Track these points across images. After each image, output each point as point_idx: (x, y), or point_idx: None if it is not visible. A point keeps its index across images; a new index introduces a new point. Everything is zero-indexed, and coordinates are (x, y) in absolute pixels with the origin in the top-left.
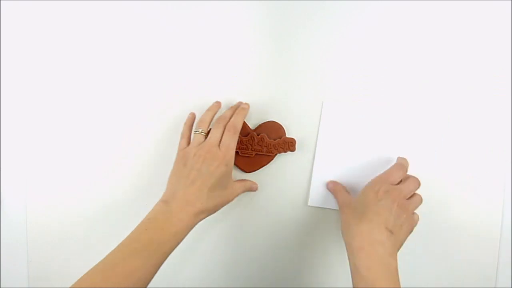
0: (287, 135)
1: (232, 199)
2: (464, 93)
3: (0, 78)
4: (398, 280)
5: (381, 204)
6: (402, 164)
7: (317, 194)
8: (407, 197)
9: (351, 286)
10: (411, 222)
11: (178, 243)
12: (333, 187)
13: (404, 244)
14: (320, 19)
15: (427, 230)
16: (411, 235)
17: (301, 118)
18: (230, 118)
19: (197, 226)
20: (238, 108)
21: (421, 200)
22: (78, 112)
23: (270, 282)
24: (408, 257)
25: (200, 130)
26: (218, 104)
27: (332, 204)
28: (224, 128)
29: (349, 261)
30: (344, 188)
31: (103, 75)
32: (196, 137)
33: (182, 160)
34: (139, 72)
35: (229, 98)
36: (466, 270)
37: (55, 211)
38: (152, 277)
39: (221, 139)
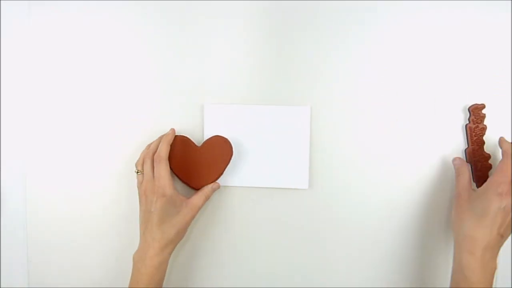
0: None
1: (194, 216)
2: (463, 93)
3: (0, 78)
4: (493, 279)
5: (503, 208)
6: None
7: None
8: None
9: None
10: None
11: (160, 282)
12: (460, 165)
13: (404, 247)
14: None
15: (427, 230)
16: (411, 235)
17: None
18: (155, 149)
19: (197, 228)
20: (165, 136)
21: None
22: (78, 113)
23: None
24: (407, 260)
25: (136, 170)
26: (154, 142)
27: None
28: (153, 160)
29: (455, 255)
30: (470, 171)
31: (104, 74)
32: (138, 178)
33: (140, 204)
34: (139, 72)
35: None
36: None
37: (55, 211)
38: None
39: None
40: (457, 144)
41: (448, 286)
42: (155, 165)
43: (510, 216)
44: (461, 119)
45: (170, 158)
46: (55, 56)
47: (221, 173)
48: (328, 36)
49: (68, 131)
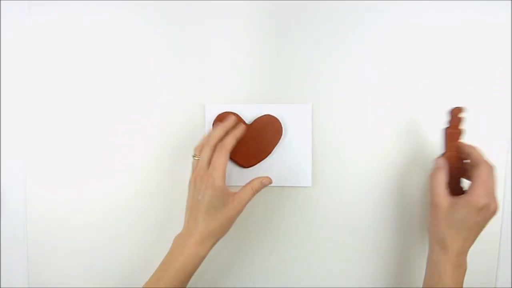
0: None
1: (240, 210)
2: (463, 93)
3: (0, 78)
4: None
5: (479, 222)
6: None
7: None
8: None
9: None
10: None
11: (191, 273)
12: (435, 170)
13: (404, 244)
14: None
15: (427, 230)
16: (412, 235)
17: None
18: (219, 137)
19: None
20: (235, 129)
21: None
22: (78, 113)
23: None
24: (408, 257)
25: (194, 154)
26: (217, 130)
27: (234, 181)
28: (214, 148)
29: (430, 259)
30: (445, 177)
31: (104, 75)
32: (193, 163)
33: (188, 188)
34: (140, 72)
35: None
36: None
37: (55, 211)
38: None
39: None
40: None
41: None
42: (215, 153)
43: (484, 227)
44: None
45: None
46: (55, 56)
47: (270, 152)
48: (328, 36)
49: (68, 131)
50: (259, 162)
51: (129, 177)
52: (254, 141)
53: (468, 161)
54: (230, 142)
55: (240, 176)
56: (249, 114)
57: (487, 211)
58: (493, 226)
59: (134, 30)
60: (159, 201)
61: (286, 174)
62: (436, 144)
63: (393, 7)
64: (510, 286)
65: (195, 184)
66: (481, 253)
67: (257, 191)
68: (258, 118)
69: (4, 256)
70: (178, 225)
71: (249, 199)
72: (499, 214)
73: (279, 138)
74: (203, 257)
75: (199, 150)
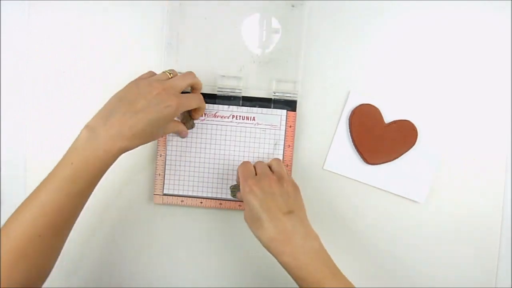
0: None
1: (162, 136)
2: (463, 93)
3: (0, 78)
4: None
5: (265, 199)
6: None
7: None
8: (271, 171)
9: None
10: (293, 183)
11: (103, 174)
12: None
13: (404, 244)
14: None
15: (427, 230)
16: (412, 235)
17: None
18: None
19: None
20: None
21: (278, 160)
22: (78, 113)
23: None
24: (408, 257)
25: (168, 71)
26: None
27: (347, 172)
28: (193, 83)
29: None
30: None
31: (104, 75)
32: (161, 74)
33: (135, 83)
34: (140, 72)
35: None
36: (466, 270)
37: None
38: (80, 210)
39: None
40: (462, 145)
41: None
42: (192, 91)
43: (280, 195)
44: (462, 119)
45: (357, 125)
46: (55, 56)
47: (397, 157)
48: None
49: (68, 131)
50: (384, 162)
51: (129, 177)
52: (386, 141)
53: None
54: (199, 85)
55: (358, 171)
56: (390, 115)
57: (257, 186)
58: (493, 226)
59: (134, 30)
60: None
61: (402, 183)
62: (436, 145)
63: (393, 7)
64: (510, 286)
65: (159, 93)
66: (481, 253)
67: (176, 131)
68: (398, 120)
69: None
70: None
71: (169, 133)
72: (499, 214)
73: (411, 146)
74: (112, 162)
75: (175, 72)
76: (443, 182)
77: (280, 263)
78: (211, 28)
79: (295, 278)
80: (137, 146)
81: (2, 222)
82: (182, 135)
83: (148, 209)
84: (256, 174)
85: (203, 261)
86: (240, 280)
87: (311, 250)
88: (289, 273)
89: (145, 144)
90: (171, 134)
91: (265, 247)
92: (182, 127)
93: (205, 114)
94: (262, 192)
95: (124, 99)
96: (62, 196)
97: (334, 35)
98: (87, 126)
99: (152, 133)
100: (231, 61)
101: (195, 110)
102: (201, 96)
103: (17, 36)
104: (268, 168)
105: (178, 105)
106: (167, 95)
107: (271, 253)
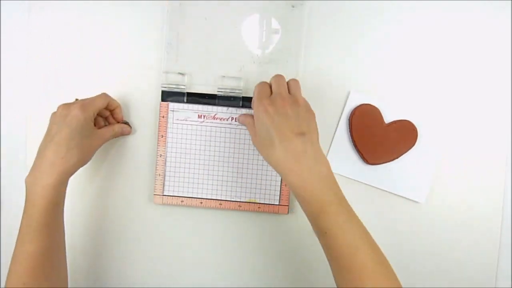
0: None
1: (100, 145)
2: (463, 93)
3: (0, 78)
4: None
5: (278, 119)
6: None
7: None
8: (288, 93)
9: None
10: (308, 108)
11: (60, 204)
12: (243, 120)
13: (404, 244)
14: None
15: (427, 230)
16: (412, 235)
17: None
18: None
19: (195, 223)
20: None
21: (296, 81)
22: None
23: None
24: (408, 257)
25: (76, 99)
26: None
27: (347, 172)
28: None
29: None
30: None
31: (104, 75)
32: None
33: (50, 120)
34: (141, 72)
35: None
36: (466, 270)
37: None
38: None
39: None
40: (462, 145)
41: None
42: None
43: (293, 117)
44: (462, 118)
45: (357, 125)
46: (55, 56)
47: (397, 157)
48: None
49: None
50: (384, 162)
51: (129, 177)
52: (386, 141)
53: None
54: (113, 103)
55: (359, 171)
56: (390, 115)
57: (273, 106)
58: (493, 226)
59: (134, 30)
60: None
61: (402, 183)
62: (436, 146)
63: (392, 7)
64: (510, 286)
65: (62, 109)
66: (481, 253)
67: (116, 135)
68: (398, 120)
69: (4, 256)
70: None
71: (108, 139)
72: (499, 214)
73: (411, 146)
74: (65, 188)
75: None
76: (443, 182)
77: (286, 182)
78: (211, 28)
79: (300, 201)
80: (79, 166)
81: (2, 222)
82: (125, 133)
83: (148, 209)
84: (271, 93)
85: (203, 261)
86: (240, 280)
87: (319, 173)
88: (294, 193)
89: (145, 145)
90: (171, 134)
91: (272, 166)
92: (118, 127)
93: (204, 116)
94: (276, 113)
95: (44, 135)
96: (31, 244)
97: (334, 35)
98: (27, 177)
99: (82, 145)
100: (231, 61)
101: (113, 112)
102: (107, 94)
103: (17, 36)
104: (285, 88)
105: (82, 107)
106: (69, 109)
107: (278, 172)
